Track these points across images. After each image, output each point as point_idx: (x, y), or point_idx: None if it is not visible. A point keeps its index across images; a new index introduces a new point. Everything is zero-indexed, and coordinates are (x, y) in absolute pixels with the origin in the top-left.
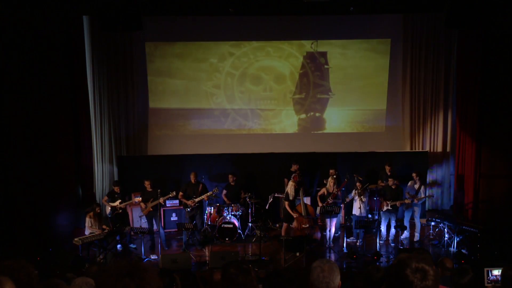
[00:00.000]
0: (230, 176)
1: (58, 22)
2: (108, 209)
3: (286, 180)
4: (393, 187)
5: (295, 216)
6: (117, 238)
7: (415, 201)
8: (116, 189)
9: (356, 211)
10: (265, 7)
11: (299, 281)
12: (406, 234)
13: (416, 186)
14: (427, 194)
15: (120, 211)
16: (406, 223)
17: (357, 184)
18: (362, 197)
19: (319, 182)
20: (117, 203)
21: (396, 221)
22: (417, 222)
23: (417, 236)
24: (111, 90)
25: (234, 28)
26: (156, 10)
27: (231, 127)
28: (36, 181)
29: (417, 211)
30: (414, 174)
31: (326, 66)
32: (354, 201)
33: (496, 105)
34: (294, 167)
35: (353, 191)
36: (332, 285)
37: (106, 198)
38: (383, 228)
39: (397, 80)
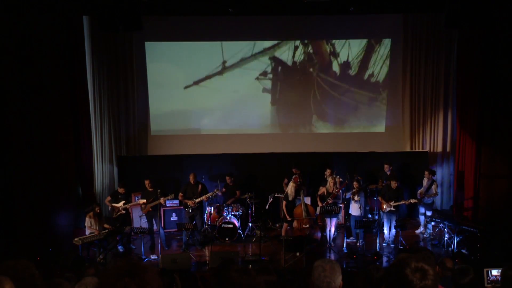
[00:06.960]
0: (227, 177)
1: (58, 22)
2: (109, 208)
3: (286, 179)
4: (393, 187)
5: (289, 219)
6: (118, 238)
7: (426, 197)
8: (121, 190)
9: (356, 211)
10: (265, 7)
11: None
12: (421, 229)
13: (427, 184)
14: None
15: (124, 212)
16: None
17: (354, 183)
18: (355, 196)
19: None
20: (120, 204)
21: (397, 221)
22: (422, 217)
23: (421, 228)
24: (111, 90)
25: (234, 28)
26: (156, 10)
27: (231, 127)
28: (36, 181)
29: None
30: (426, 173)
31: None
32: (351, 201)
33: (496, 105)
34: (295, 171)
35: (350, 191)
36: (333, 285)
37: (109, 198)
38: (386, 231)
39: (397, 80)
